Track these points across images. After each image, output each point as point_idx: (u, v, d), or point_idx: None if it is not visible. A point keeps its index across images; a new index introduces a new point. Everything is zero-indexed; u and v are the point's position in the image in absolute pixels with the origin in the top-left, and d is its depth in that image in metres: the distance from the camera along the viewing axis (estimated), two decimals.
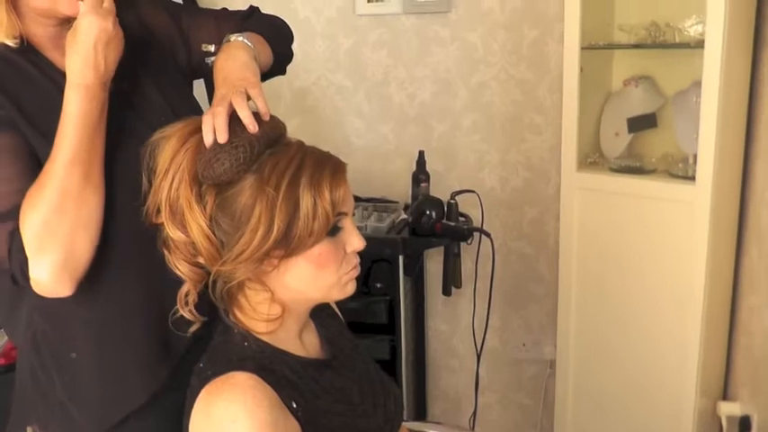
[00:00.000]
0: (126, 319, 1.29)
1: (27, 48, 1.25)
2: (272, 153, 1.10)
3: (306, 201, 1.08)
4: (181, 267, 1.13)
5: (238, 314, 1.18)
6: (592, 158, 2.47)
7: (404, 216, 2.54)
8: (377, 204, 2.64)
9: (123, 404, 1.31)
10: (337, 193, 1.11)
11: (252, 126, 1.10)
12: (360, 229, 2.36)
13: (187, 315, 1.16)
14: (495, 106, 2.73)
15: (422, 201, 2.39)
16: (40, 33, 1.25)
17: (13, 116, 1.19)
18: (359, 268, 1.20)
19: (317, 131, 2.85)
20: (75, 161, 1.15)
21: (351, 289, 1.20)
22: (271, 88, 2.77)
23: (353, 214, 1.21)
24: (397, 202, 2.68)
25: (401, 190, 2.74)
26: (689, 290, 2.19)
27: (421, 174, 2.57)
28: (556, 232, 2.61)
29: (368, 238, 2.29)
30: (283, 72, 1.57)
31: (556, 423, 2.65)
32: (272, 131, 1.13)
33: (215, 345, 1.18)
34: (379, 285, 2.51)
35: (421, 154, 2.60)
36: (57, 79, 1.23)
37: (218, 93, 1.21)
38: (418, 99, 2.78)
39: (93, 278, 1.22)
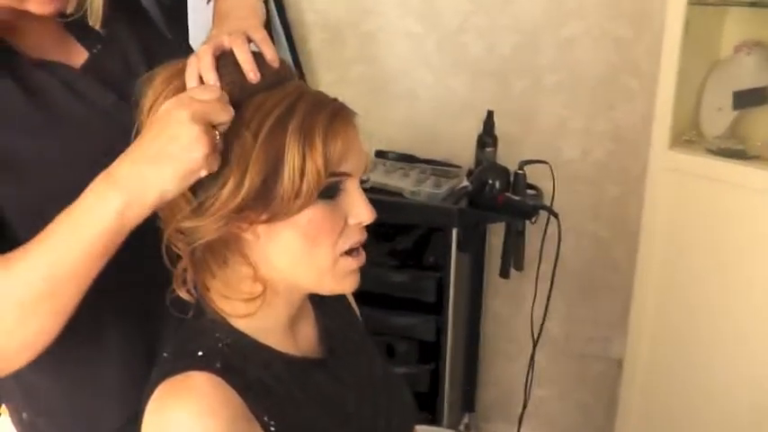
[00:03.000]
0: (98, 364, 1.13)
1: None
2: (263, 96, 0.90)
3: (292, 152, 0.87)
4: (174, 239, 0.93)
5: (214, 295, 0.97)
6: (688, 136, 2.15)
7: (465, 183, 2.28)
8: (435, 168, 2.38)
9: None
10: (333, 146, 0.89)
11: (252, 73, 0.90)
12: (413, 194, 2.20)
13: (184, 295, 0.96)
14: (584, 66, 2.42)
15: (484, 168, 2.16)
16: None
17: None
18: (363, 255, 0.97)
19: (381, 82, 2.61)
20: (74, 276, 0.90)
21: (350, 285, 0.98)
22: (335, 32, 2.63)
23: (366, 179, 0.97)
24: (459, 167, 2.42)
25: (467, 153, 2.46)
26: None
27: (487, 136, 2.30)
28: (640, 216, 2.33)
29: (420, 206, 2.19)
30: None
31: (617, 429, 2.39)
32: (274, 76, 0.92)
33: (184, 329, 0.99)
34: (431, 259, 2.30)
35: (489, 114, 2.32)
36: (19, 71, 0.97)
37: (210, 34, 1.01)
38: (497, 51, 2.49)
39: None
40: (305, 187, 0.87)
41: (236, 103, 0.88)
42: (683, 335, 2.17)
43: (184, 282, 0.95)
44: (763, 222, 1.94)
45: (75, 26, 1.06)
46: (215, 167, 0.85)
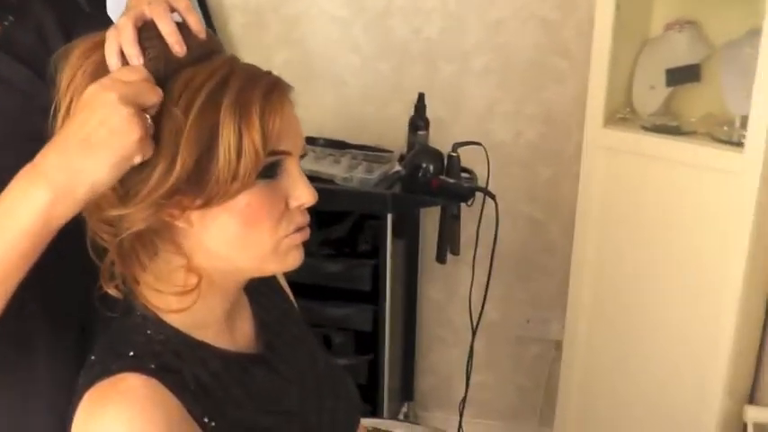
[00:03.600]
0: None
1: None
2: (192, 70, 0.83)
3: (227, 129, 0.81)
4: (98, 230, 0.86)
5: (145, 289, 0.89)
6: (622, 114, 2.15)
7: (398, 168, 2.23)
8: (367, 153, 2.32)
9: None
10: (272, 123, 0.83)
11: (178, 46, 0.83)
12: (345, 181, 2.13)
13: (112, 291, 0.88)
14: (513, 48, 2.40)
15: (418, 152, 2.12)
16: None
17: None
18: (307, 231, 0.91)
19: (306, 67, 2.54)
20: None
21: (294, 260, 0.91)
22: (256, 15, 2.53)
23: (303, 155, 0.91)
24: (391, 152, 2.37)
25: (398, 138, 2.41)
26: (726, 276, 1.90)
27: (419, 119, 2.26)
28: (574, 196, 2.32)
29: (353, 193, 2.12)
30: None
31: (558, 411, 2.39)
32: (201, 48, 0.85)
33: (113, 329, 0.90)
34: (365, 247, 2.24)
35: (420, 97, 2.28)
36: None
37: (129, 4, 0.92)
38: (424, 34, 2.44)
39: None
40: (242, 168, 0.81)
41: (162, 79, 0.81)
42: (621, 313, 2.18)
43: (112, 276, 0.87)
44: (700, 198, 1.94)
45: None
46: (149, 153, 0.78)
